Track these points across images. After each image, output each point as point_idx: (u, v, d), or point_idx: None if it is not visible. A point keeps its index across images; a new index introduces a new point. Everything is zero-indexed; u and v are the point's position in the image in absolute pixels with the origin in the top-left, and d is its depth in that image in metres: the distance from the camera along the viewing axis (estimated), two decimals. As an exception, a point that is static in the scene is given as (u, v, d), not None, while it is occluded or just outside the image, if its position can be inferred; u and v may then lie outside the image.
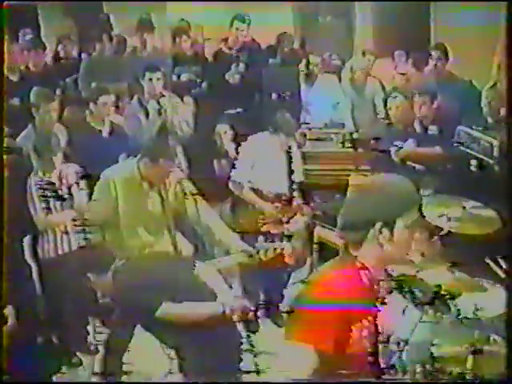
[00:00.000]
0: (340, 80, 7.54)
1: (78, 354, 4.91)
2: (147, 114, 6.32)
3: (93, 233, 4.76)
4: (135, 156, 4.89)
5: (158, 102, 6.35)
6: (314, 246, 5.95)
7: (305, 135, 6.62)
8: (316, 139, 6.64)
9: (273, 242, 5.09)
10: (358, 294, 2.63)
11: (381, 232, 2.63)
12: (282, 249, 4.85)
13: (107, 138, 5.89)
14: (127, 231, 4.80)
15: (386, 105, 6.59)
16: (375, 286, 2.70)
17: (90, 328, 4.78)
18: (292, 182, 5.84)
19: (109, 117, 5.98)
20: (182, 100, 6.58)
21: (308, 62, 7.43)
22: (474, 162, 5.24)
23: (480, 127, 5.35)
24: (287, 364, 2.65)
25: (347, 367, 2.60)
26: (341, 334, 2.57)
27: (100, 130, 5.93)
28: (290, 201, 5.83)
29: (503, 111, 6.18)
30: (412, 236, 2.68)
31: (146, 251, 4.78)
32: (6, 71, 5.42)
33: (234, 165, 5.99)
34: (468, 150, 5.30)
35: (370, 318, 2.68)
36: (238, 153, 6.05)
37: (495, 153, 5.01)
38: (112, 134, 5.91)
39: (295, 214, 5.77)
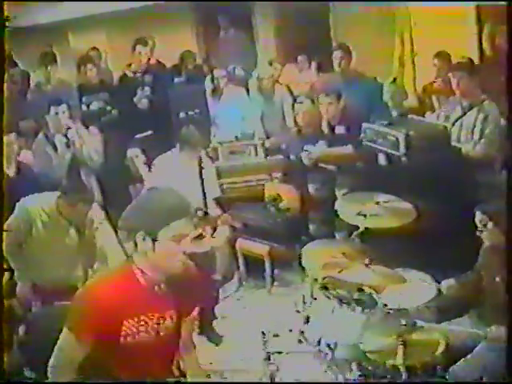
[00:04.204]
0: (248, 91, 7.58)
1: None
2: (56, 148, 6.20)
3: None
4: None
5: (66, 135, 6.24)
6: (239, 258, 5.97)
7: (216, 150, 6.64)
8: (229, 152, 6.65)
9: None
10: (136, 293, 2.85)
11: (144, 240, 2.81)
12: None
13: (15, 178, 5.72)
14: (36, 260, 4.76)
15: (294, 110, 6.65)
16: (156, 288, 2.89)
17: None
18: (206, 197, 5.79)
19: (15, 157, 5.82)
20: (88, 130, 6.48)
21: (213, 77, 7.44)
22: (382, 157, 5.32)
23: (385, 122, 5.43)
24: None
25: (123, 355, 2.86)
26: (110, 327, 2.80)
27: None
28: (207, 214, 5.78)
29: (406, 104, 6.35)
30: (180, 247, 2.82)
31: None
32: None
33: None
34: (376, 146, 5.38)
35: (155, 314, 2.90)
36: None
37: (401, 145, 5.09)
38: (20, 174, 5.74)
39: (215, 229, 5.74)
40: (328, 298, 4.28)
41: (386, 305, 4.11)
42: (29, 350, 4.16)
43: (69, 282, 4.65)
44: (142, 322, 2.85)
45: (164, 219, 2.79)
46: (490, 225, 4.01)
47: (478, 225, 4.05)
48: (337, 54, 6.94)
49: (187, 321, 3.06)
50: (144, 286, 2.87)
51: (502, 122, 5.35)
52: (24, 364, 4.17)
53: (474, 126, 5.40)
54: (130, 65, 7.61)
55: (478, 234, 4.06)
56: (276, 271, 5.98)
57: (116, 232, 4.80)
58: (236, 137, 6.80)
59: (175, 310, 2.95)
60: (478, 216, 4.05)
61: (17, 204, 4.75)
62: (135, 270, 2.88)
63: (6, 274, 4.83)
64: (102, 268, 4.80)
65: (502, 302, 3.73)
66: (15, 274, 4.84)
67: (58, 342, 2.88)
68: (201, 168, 5.65)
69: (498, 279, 4.00)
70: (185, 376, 3.15)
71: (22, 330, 4.40)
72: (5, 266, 4.75)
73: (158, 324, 2.90)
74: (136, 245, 2.85)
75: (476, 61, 6.78)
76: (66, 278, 4.74)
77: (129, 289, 2.85)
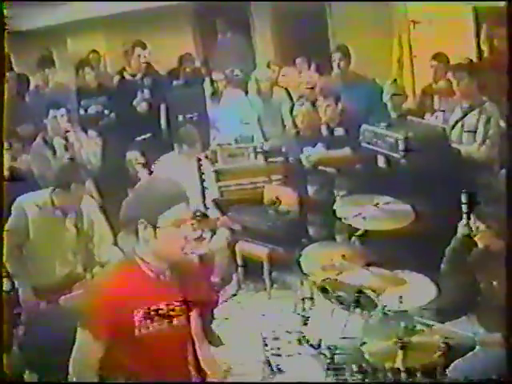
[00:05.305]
0: (247, 94, 7.57)
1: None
2: (54, 152, 6.19)
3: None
4: None
5: (64, 138, 6.24)
6: (238, 261, 5.95)
7: (215, 152, 6.63)
8: (228, 155, 6.64)
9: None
10: (143, 284, 2.85)
11: (145, 229, 2.81)
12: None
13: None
14: (38, 261, 4.77)
15: (292, 113, 6.65)
16: (161, 276, 2.88)
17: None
18: (205, 199, 5.80)
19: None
20: (87, 134, 6.48)
21: (211, 80, 7.43)
22: (381, 159, 5.32)
23: (384, 124, 5.42)
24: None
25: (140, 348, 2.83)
26: (123, 320, 2.78)
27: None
28: (205, 216, 5.77)
29: (405, 106, 6.34)
30: (180, 232, 2.82)
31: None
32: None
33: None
34: (375, 148, 5.37)
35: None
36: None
37: (400, 147, 5.09)
38: (14, 179, 5.70)
39: (215, 232, 5.74)
40: (328, 300, 4.28)
41: (385, 306, 4.10)
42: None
43: (71, 276, 4.71)
44: (153, 312, 2.84)
45: (163, 205, 2.81)
46: (482, 227, 3.98)
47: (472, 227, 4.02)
48: (336, 56, 6.95)
49: (194, 311, 3.02)
50: (149, 276, 2.88)
51: (502, 123, 5.35)
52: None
53: (477, 128, 5.39)
54: (128, 67, 7.60)
55: (471, 237, 4.04)
56: (276, 274, 5.97)
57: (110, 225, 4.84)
58: (235, 139, 6.80)
59: (182, 297, 2.93)
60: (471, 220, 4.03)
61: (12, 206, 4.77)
62: (139, 261, 2.88)
63: (7, 286, 4.84)
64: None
65: (500, 306, 3.73)
66: (16, 281, 4.83)
67: (75, 343, 2.86)
68: (200, 170, 5.65)
69: (495, 283, 3.99)
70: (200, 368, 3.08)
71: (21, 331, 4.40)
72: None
73: (169, 312, 2.89)
74: (137, 235, 2.85)
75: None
76: (68, 273, 4.77)
77: (136, 280, 2.85)
